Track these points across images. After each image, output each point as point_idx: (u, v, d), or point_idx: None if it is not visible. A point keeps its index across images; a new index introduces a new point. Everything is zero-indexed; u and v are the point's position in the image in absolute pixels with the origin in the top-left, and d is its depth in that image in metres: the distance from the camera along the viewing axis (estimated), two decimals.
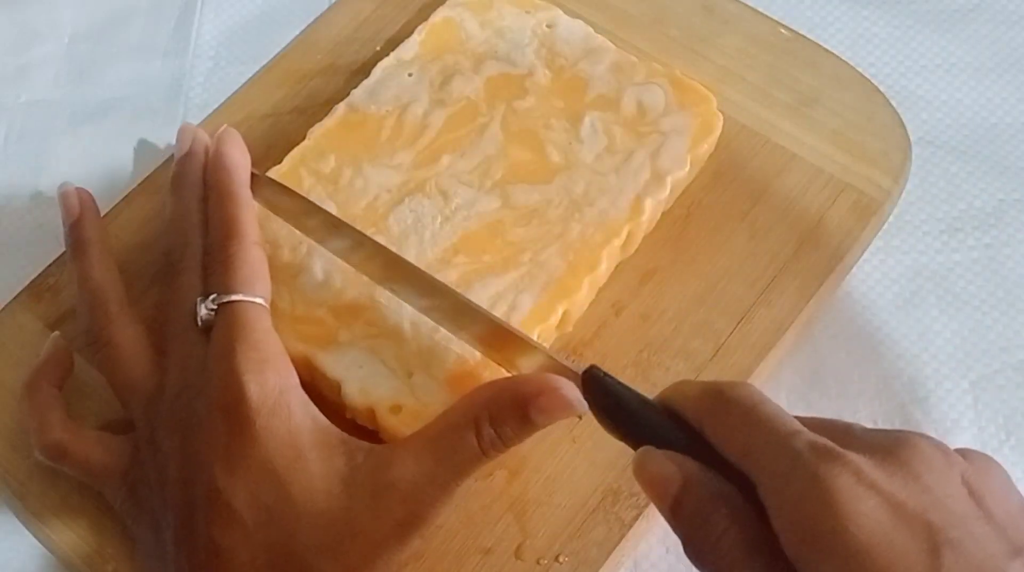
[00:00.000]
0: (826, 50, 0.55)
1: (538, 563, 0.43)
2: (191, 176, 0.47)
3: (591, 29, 0.53)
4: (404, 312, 0.45)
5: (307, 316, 0.45)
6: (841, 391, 0.49)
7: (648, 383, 0.46)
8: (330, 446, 0.39)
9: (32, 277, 0.50)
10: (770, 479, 0.33)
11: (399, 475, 0.38)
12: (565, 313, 0.46)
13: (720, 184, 0.51)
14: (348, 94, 0.52)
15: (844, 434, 0.34)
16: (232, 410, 0.39)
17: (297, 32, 0.57)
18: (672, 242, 0.50)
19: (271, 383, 0.40)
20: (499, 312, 0.45)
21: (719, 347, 0.47)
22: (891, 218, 0.52)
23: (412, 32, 0.54)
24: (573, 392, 0.38)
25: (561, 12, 0.54)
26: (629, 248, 0.49)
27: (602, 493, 0.44)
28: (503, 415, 0.38)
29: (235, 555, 0.37)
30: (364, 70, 0.53)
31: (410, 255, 0.47)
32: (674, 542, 0.45)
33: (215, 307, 0.42)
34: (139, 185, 0.53)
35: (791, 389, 0.49)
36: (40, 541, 0.46)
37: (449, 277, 0.46)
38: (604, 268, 0.47)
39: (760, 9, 0.56)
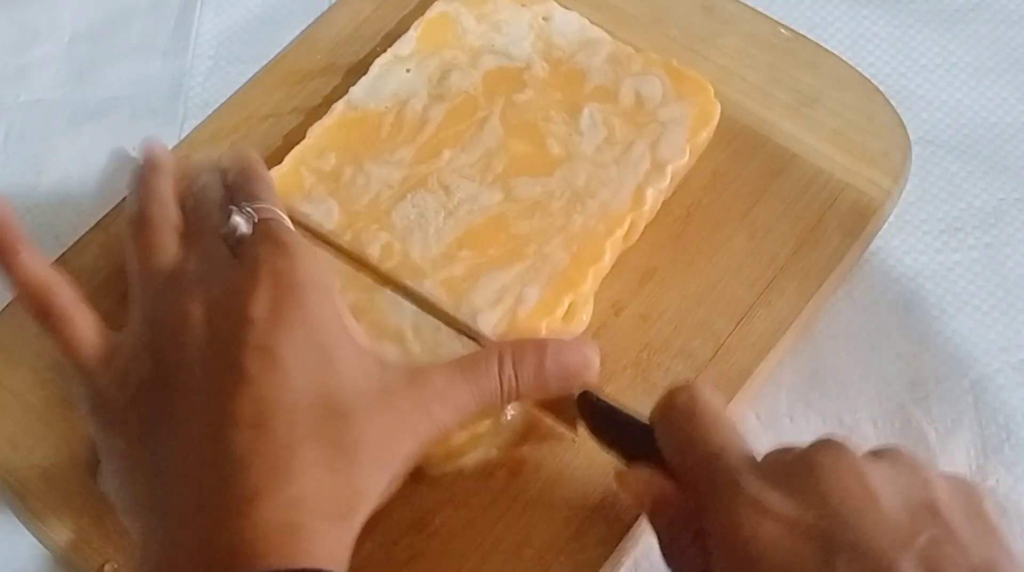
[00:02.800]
0: (826, 50, 0.55)
1: (538, 563, 0.43)
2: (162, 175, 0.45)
3: (587, 21, 0.53)
4: (405, 313, 0.45)
5: None
6: (841, 391, 0.49)
7: (648, 383, 0.46)
8: (367, 346, 0.40)
9: None
10: (700, 498, 0.37)
11: (430, 377, 0.39)
12: (571, 305, 0.46)
13: (720, 184, 0.51)
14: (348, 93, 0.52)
15: (767, 459, 0.37)
16: (283, 276, 0.38)
17: (297, 32, 0.57)
18: (672, 242, 0.50)
19: (325, 271, 0.40)
20: (505, 305, 0.45)
21: (719, 347, 0.47)
22: (891, 218, 0.52)
23: (408, 28, 0.54)
24: (590, 355, 0.41)
25: (556, 5, 0.54)
26: (631, 238, 0.49)
27: (602, 493, 0.44)
28: (524, 357, 0.40)
29: (276, 399, 0.36)
30: (364, 70, 0.53)
31: (415, 251, 0.47)
32: None
33: (254, 215, 0.41)
34: None
35: (791, 389, 0.49)
36: (40, 541, 0.46)
37: (455, 272, 0.46)
38: (608, 259, 0.47)
39: (760, 9, 0.56)
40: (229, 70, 0.59)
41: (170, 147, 0.54)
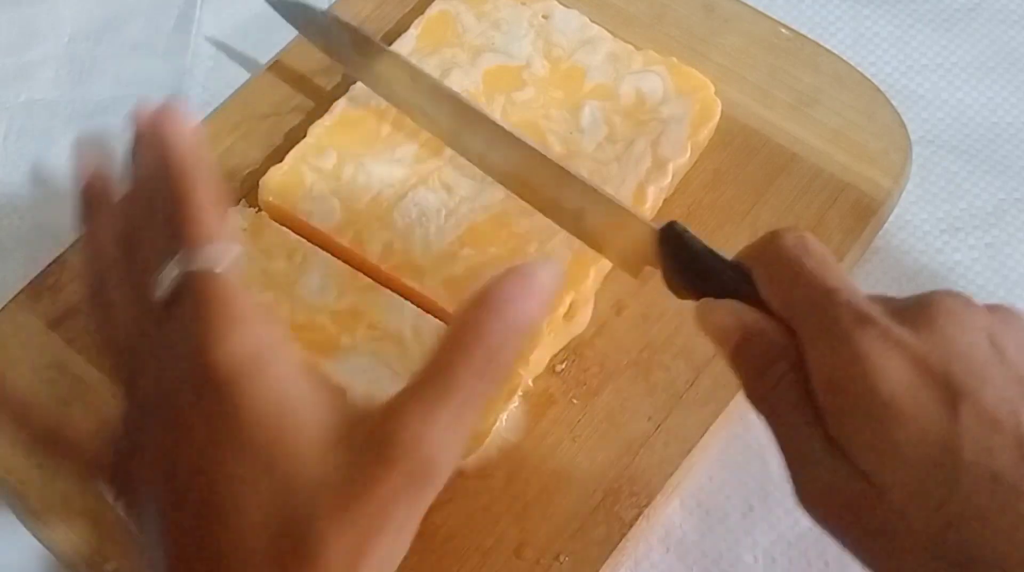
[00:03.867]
0: (826, 50, 0.55)
1: (538, 563, 0.43)
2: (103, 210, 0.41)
3: (586, 19, 0.53)
4: (405, 315, 0.45)
5: (308, 323, 0.45)
6: None
7: (648, 382, 0.46)
8: (323, 401, 0.35)
9: (32, 277, 0.50)
10: (807, 334, 0.35)
11: (404, 420, 0.33)
12: (572, 304, 0.46)
13: (720, 184, 0.51)
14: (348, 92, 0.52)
15: (876, 300, 0.35)
16: (202, 387, 0.34)
17: (297, 32, 0.57)
18: None
19: (240, 347, 0.34)
20: None
21: None
22: (891, 218, 0.52)
23: (408, 27, 0.54)
24: (539, 281, 0.34)
25: (556, 3, 0.54)
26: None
27: (602, 493, 0.44)
28: (480, 334, 0.34)
29: (236, 549, 0.33)
30: None
31: (416, 250, 0.47)
32: (674, 542, 0.45)
33: (174, 275, 0.35)
34: None
35: None
36: (40, 540, 0.46)
37: (456, 270, 0.46)
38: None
39: (760, 9, 0.56)
40: (229, 70, 0.59)
41: None
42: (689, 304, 0.49)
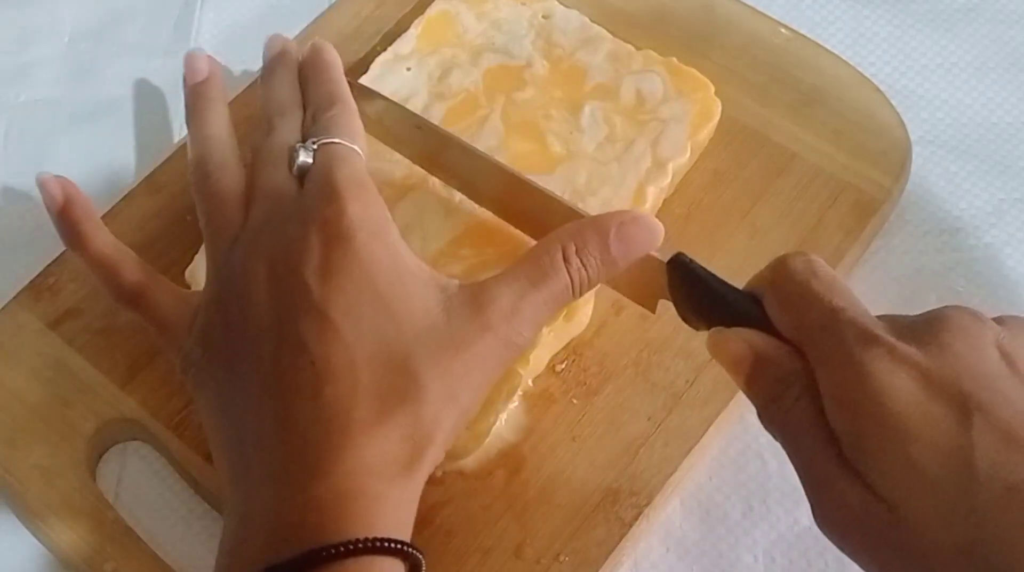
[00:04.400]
0: (826, 50, 0.55)
1: (538, 563, 0.43)
2: (285, 68, 0.47)
3: (587, 19, 0.53)
4: None
5: None
6: None
7: (648, 382, 0.46)
8: (426, 276, 0.40)
9: (32, 277, 0.50)
10: (816, 357, 0.36)
11: (496, 295, 0.39)
12: (571, 305, 0.46)
13: (720, 184, 0.51)
14: None
15: (885, 319, 0.36)
16: (332, 224, 0.38)
17: (297, 32, 0.57)
18: (672, 242, 0.49)
19: (373, 208, 0.40)
20: None
21: None
22: (891, 218, 0.52)
23: (409, 27, 0.54)
24: (653, 224, 0.40)
25: (556, 3, 0.54)
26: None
27: (602, 493, 0.44)
28: (587, 244, 0.40)
29: (331, 364, 0.36)
30: (365, 68, 0.53)
31: (414, 248, 0.47)
32: (674, 542, 0.45)
33: (315, 148, 0.41)
34: (139, 184, 0.53)
35: None
36: (40, 540, 0.46)
37: (454, 270, 0.46)
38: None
39: (760, 9, 0.56)
40: (229, 70, 0.59)
41: (170, 147, 0.54)
42: None
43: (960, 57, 0.58)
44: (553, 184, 0.48)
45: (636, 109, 0.50)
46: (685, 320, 0.41)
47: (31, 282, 0.50)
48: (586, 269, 0.40)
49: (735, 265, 0.49)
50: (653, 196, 0.48)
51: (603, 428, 0.46)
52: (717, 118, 0.51)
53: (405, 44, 0.53)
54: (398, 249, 0.40)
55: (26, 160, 0.57)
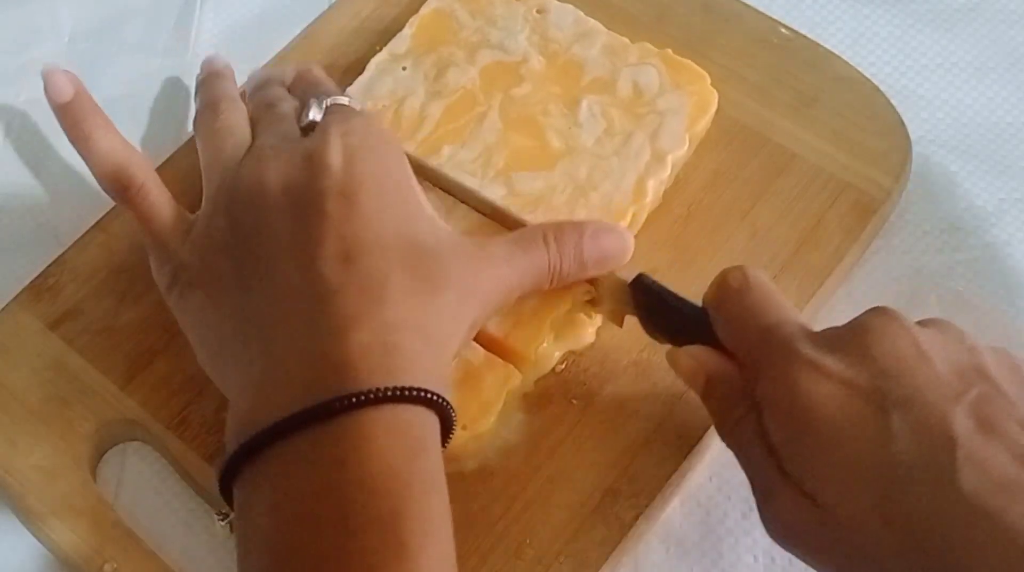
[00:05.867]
0: (826, 49, 0.55)
1: (538, 563, 0.43)
2: (274, 76, 0.49)
3: (581, 12, 0.53)
4: None
5: None
6: None
7: (649, 382, 0.46)
8: (432, 211, 0.42)
9: (32, 277, 0.50)
10: (753, 372, 0.39)
11: (489, 243, 0.42)
12: (578, 321, 0.46)
13: (720, 184, 0.51)
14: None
15: (817, 332, 0.39)
16: (354, 134, 0.40)
17: (297, 32, 0.57)
18: (672, 242, 0.50)
19: (392, 135, 0.42)
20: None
21: None
22: (891, 218, 0.52)
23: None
24: (625, 236, 0.43)
25: None
26: (633, 229, 0.49)
27: (602, 493, 0.44)
28: (564, 236, 0.42)
29: (361, 238, 0.38)
30: (364, 68, 0.53)
31: None
32: (674, 542, 0.45)
33: (328, 104, 0.43)
34: None
35: None
36: (40, 541, 0.46)
37: None
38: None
39: (760, 8, 0.56)
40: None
41: (170, 147, 0.54)
42: None
43: (960, 57, 0.58)
44: (554, 180, 0.48)
45: (633, 102, 0.50)
46: (651, 335, 0.44)
47: (31, 282, 0.50)
48: (561, 259, 0.42)
49: (735, 265, 0.49)
50: (653, 189, 0.48)
51: (603, 428, 0.46)
52: (714, 108, 0.51)
53: (400, 43, 0.53)
54: (413, 176, 0.42)
55: (26, 160, 0.57)
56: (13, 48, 0.61)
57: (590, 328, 0.47)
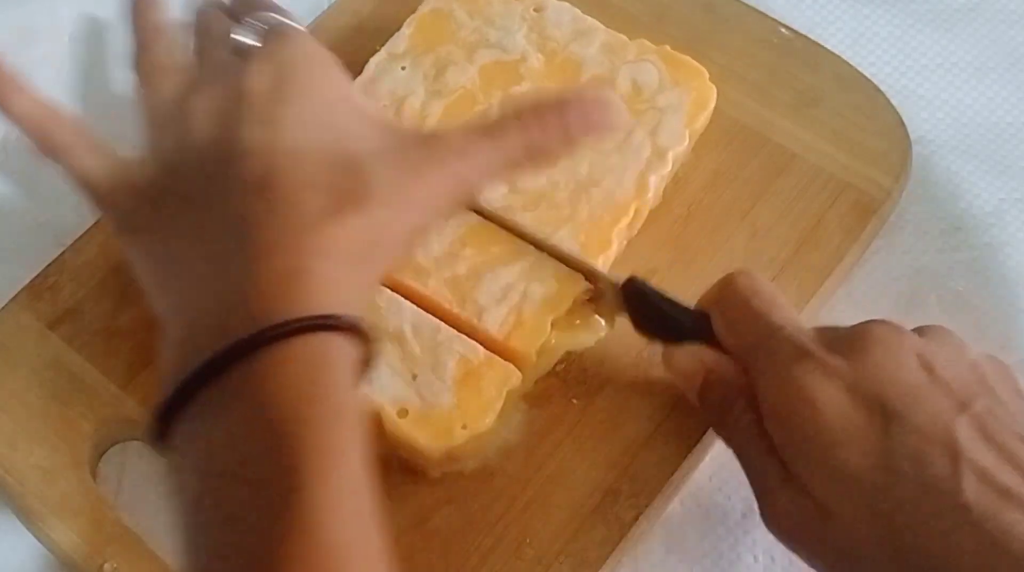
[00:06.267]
0: (826, 49, 0.55)
1: (538, 563, 0.43)
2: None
3: (578, 11, 0.53)
4: (404, 314, 0.45)
5: None
6: None
7: (648, 383, 0.46)
8: (375, 111, 0.40)
9: (32, 277, 0.50)
10: (755, 371, 0.39)
11: (445, 135, 0.39)
12: (586, 317, 0.46)
13: (720, 184, 0.51)
14: None
15: (819, 333, 0.39)
16: (279, 55, 0.39)
17: None
18: (672, 242, 0.50)
19: (324, 51, 0.40)
20: (511, 302, 0.45)
21: None
22: (891, 218, 0.52)
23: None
24: (612, 100, 0.39)
25: None
26: (635, 226, 0.49)
27: (602, 493, 0.44)
28: (543, 109, 0.38)
29: (277, 163, 0.36)
30: (362, 69, 0.53)
31: (418, 250, 0.47)
32: (674, 542, 0.45)
33: (263, 27, 0.42)
34: None
35: None
36: (40, 540, 0.46)
37: (458, 270, 0.46)
38: (615, 248, 0.47)
39: (760, 8, 0.56)
40: None
41: None
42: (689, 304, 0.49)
43: (960, 57, 0.58)
44: (555, 177, 0.48)
45: (633, 99, 0.50)
46: (640, 333, 0.44)
47: (31, 282, 0.50)
48: (544, 132, 0.38)
49: (735, 265, 0.49)
50: (654, 185, 0.48)
51: (603, 428, 0.46)
52: (713, 104, 0.51)
53: (398, 43, 0.53)
54: (349, 85, 0.40)
55: (26, 160, 0.57)
56: (13, 48, 0.61)
57: (593, 329, 0.47)
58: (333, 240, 0.35)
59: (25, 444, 0.46)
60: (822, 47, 0.55)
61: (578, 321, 0.47)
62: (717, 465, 0.47)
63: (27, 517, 0.45)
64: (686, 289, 0.48)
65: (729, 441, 0.40)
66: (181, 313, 0.36)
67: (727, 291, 0.41)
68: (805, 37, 0.55)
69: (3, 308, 0.50)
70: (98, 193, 0.41)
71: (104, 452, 0.48)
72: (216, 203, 0.37)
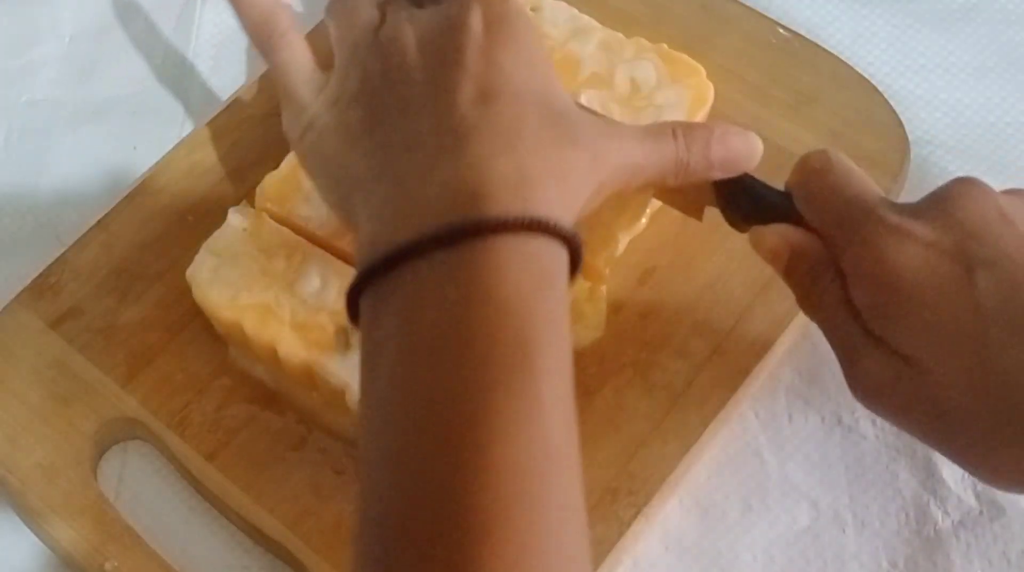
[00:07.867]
0: (825, 50, 0.55)
1: None
2: None
3: (575, 10, 0.53)
4: None
5: (308, 322, 0.45)
6: (841, 391, 0.49)
7: (647, 382, 0.47)
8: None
9: (32, 277, 0.50)
10: (838, 242, 0.39)
11: (621, 126, 0.42)
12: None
13: None
14: None
15: (897, 204, 0.40)
16: (494, 4, 0.40)
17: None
18: (671, 242, 0.50)
19: (528, 16, 0.41)
20: None
21: (718, 346, 0.47)
22: None
23: None
24: (754, 140, 0.42)
25: None
26: (636, 224, 0.49)
27: (601, 492, 0.44)
28: (694, 136, 0.41)
29: (502, 89, 0.38)
30: None
31: None
32: (673, 541, 0.45)
33: None
34: (139, 184, 0.53)
35: (790, 388, 0.49)
36: (41, 539, 0.46)
37: None
38: (620, 245, 0.47)
39: (759, 9, 0.56)
40: (229, 70, 0.59)
41: (170, 146, 0.54)
42: (688, 304, 0.49)
43: (959, 57, 0.58)
44: None
45: (632, 97, 0.50)
46: (732, 224, 0.44)
47: (32, 282, 0.50)
48: (689, 154, 0.41)
49: (733, 266, 0.49)
50: None
51: (602, 428, 0.46)
52: (711, 101, 0.51)
53: None
54: (548, 52, 0.42)
55: (26, 160, 0.57)
56: (13, 48, 0.61)
57: (592, 327, 0.47)
58: (551, 165, 0.37)
59: (26, 443, 0.46)
60: (820, 47, 0.55)
61: (577, 320, 0.47)
62: (716, 464, 0.47)
63: (28, 516, 0.46)
64: (685, 288, 0.49)
65: (815, 314, 0.41)
66: (384, 198, 0.37)
67: (804, 170, 0.42)
68: (803, 37, 0.55)
69: (4, 307, 0.50)
70: (297, 91, 0.42)
71: (105, 451, 0.48)
72: (430, 110, 0.38)
